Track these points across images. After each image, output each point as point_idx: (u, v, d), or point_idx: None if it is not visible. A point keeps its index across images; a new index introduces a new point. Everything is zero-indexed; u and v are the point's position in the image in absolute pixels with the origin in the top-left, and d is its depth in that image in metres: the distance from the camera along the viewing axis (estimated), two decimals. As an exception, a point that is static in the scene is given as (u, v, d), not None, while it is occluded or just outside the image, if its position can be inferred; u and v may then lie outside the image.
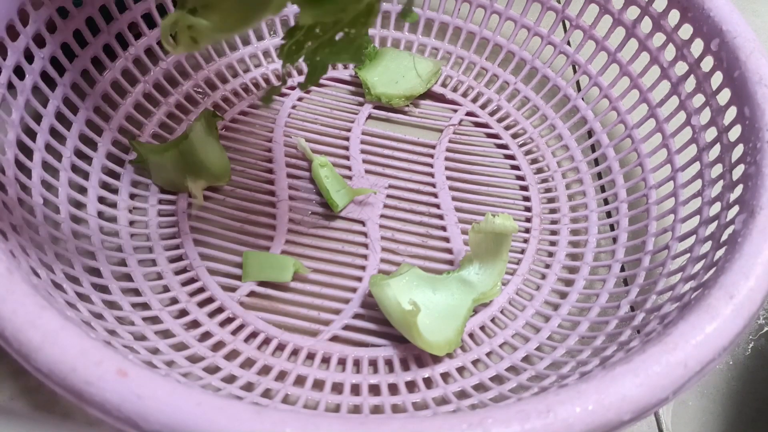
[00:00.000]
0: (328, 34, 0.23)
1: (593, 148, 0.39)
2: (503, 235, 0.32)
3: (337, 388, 0.30)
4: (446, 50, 0.43)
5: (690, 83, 0.33)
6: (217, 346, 0.30)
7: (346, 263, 0.34)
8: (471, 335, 0.32)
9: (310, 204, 0.36)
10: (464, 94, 0.42)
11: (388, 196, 0.37)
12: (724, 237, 0.27)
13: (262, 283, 0.33)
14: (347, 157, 0.38)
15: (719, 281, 0.23)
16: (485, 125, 0.41)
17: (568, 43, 0.40)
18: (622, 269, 0.34)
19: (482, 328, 0.32)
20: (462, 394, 0.29)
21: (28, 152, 0.30)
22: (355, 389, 0.29)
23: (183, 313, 0.31)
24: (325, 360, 0.31)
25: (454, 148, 0.40)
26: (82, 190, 0.33)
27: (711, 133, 0.32)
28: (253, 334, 0.31)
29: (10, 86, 0.30)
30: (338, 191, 0.36)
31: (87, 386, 0.18)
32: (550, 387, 0.27)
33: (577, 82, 0.42)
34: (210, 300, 0.32)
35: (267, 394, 0.29)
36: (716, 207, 0.30)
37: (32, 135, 0.31)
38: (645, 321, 0.29)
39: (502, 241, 0.32)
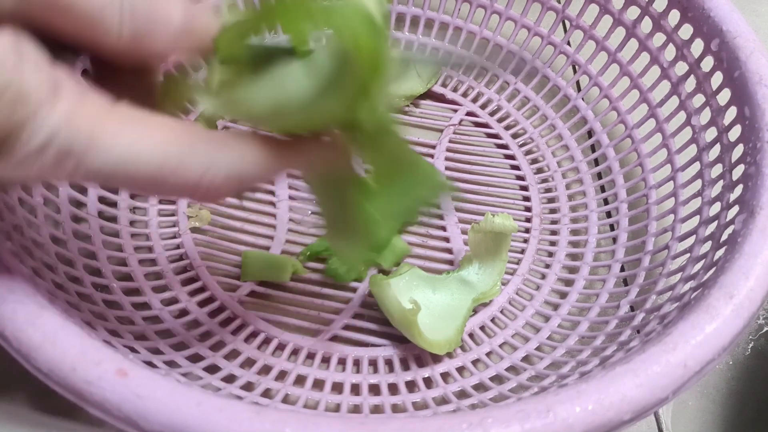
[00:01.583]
0: None
1: (593, 148, 0.39)
2: (503, 235, 0.32)
3: (337, 387, 0.30)
4: (446, 50, 0.43)
5: (690, 83, 0.33)
6: (217, 345, 0.30)
7: (346, 263, 0.34)
8: (471, 335, 0.32)
9: (310, 204, 0.36)
10: (464, 94, 0.42)
11: (388, 196, 0.37)
12: (724, 237, 0.27)
13: (262, 283, 0.33)
14: (347, 157, 0.38)
15: (719, 281, 0.23)
16: (485, 125, 0.41)
17: (569, 43, 0.40)
18: (622, 269, 0.34)
19: (482, 328, 0.32)
20: (462, 394, 0.29)
21: (29, 152, 0.30)
22: (355, 389, 0.29)
23: (183, 312, 0.31)
24: (325, 360, 0.31)
25: (454, 148, 0.40)
26: (83, 190, 0.33)
27: (711, 133, 0.32)
28: (253, 334, 0.31)
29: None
30: None
31: (87, 386, 0.18)
32: (550, 387, 0.27)
33: (577, 82, 0.42)
34: (210, 299, 0.32)
35: (267, 393, 0.29)
36: (716, 207, 0.30)
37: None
38: (645, 321, 0.29)
39: (501, 240, 0.32)
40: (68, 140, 0.15)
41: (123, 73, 0.18)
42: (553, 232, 0.36)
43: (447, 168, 0.38)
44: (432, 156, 0.39)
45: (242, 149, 0.18)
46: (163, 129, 0.17)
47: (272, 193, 0.36)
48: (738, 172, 0.29)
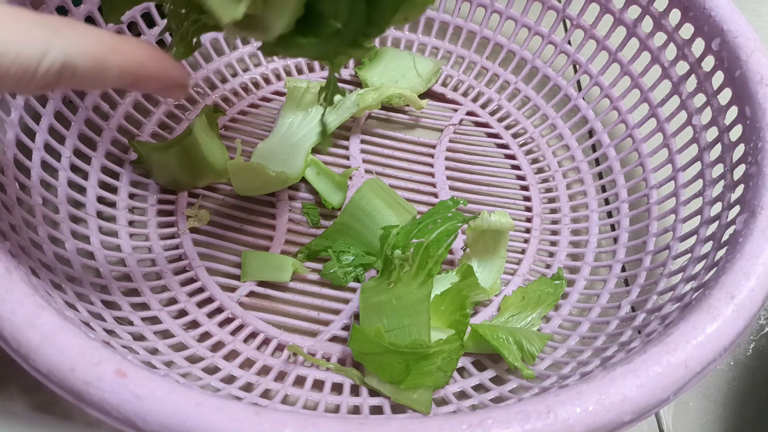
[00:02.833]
0: None
1: (594, 148, 0.39)
2: (500, 232, 0.31)
3: (337, 388, 0.30)
4: (446, 50, 0.43)
5: (691, 83, 0.33)
6: (217, 346, 0.30)
7: (346, 263, 0.34)
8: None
9: (310, 203, 0.36)
10: (465, 94, 0.42)
11: (388, 195, 0.37)
12: (725, 237, 0.27)
13: (261, 283, 0.33)
14: (347, 157, 0.38)
15: (720, 281, 0.22)
16: (486, 125, 0.41)
17: (569, 43, 0.40)
18: (623, 269, 0.34)
19: (482, 329, 0.32)
20: (462, 395, 0.29)
21: (27, 152, 0.30)
22: (355, 390, 0.29)
23: (182, 313, 0.31)
24: (325, 360, 0.31)
25: (454, 148, 0.39)
26: (82, 190, 0.33)
27: (712, 133, 0.32)
28: (253, 335, 0.31)
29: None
30: (330, 188, 0.36)
31: (86, 386, 0.18)
32: (550, 387, 0.27)
33: (578, 82, 0.42)
34: (209, 300, 0.32)
35: (266, 394, 0.29)
36: (717, 207, 0.30)
37: (31, 135, 0.31)
38: (646, 321, 0.29)
39: (499, 238, 0.32)
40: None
41: None
42: (554, 232, 0.36)
43: (447, 168, 0.38)
44: (432, 156, 0.39)
45: (79, 36, 0.17)
46: None
47: (272, 193, 0.36)
48: (739, 171, 0.29)
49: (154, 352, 0.28)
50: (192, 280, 0.33)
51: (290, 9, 0.17)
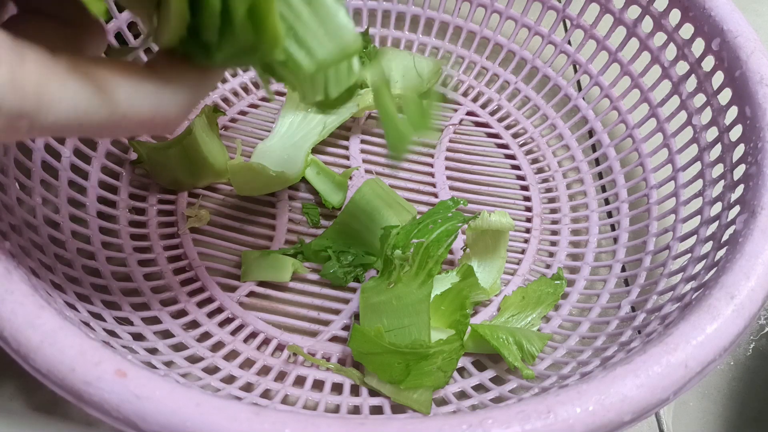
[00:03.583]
0: None
1: (594, 148, 0.39)
2: (500, 232, 0.31)
3: (337, 388, 0.30)
4: (447, 50, 0.43)
5: (691, 83, 0.33)
6: (217, 346, 0.30)
7: (346, 263, 0.34)
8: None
9: (310, 203, 0.36)
10: (464, 94, 0.42)
11: (389, 195, 0.37)
12: (725, 237, 0.27)
13: (261, 283, 0.33)
14: (347, 157, 0.38)
15: (720, 281, 0.22)
16: (486, 125, 0.41)
17: (569, 43, 0.40)
18: (623, 269, 0.34)
19: (482, 329, 0.32)
20: (462, 395, 0.29)
21: (28, 152, 0.30)
22: (355, 390, 0.29)
23: (182, 313, 0.31)
24: (325, 360, 0.31)
25: (454, 148, 0.39)
26: (82, 190, 0.33)
27: (712, 133, 0.32)
28: (253, 335, 0.31)
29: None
30: (330, 187, 0.36)
31: (86, 386, 0.18)
32: (550, 387, 0.27)
33: (578, 82, 0.42)
34: (209, 300, 0.32)
35: (266, 394, 0.29)
36: (717, 207, 0.30)
37: (31, 135, 0.31)
38: (646, 321, 0.29)
39: (499, 238, 0.32)
40: (16, 104, 0.15)
41: (50, 15, 0.18)
42: (554, 232, 0.36)
43: (447, 168, 0.38)
44: (432, 156, 0.39)
45: (181, 82, 0.18)
46: (107, 75, 0.17)
47: (272, 193, 0.36)
48: (739, 171, 0.29)
49: (154, 352, 0.28)
50: (192, 280, 0.33)
51: (171, 31, 0.16)
